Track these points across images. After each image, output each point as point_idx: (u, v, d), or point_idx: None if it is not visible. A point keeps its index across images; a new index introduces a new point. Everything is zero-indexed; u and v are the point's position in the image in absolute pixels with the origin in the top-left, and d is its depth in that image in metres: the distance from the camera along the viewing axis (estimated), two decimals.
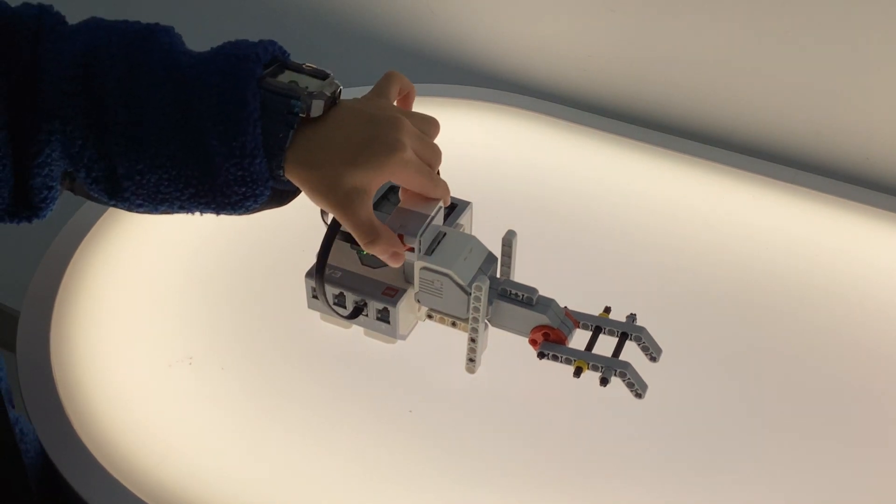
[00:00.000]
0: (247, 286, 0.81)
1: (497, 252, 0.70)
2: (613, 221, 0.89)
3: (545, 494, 0.65)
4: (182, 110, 0.57)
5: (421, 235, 0.66)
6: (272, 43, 0.61)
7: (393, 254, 0.63)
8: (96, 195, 0.60)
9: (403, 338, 0.71)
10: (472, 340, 0.69)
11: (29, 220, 0.60)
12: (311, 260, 0.67)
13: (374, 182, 0.60)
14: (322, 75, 0.61)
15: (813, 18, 0.89)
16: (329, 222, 0.66)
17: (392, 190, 0.78)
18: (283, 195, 0.63)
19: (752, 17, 0.93)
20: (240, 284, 0.81)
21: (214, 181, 0.58)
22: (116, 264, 0.82)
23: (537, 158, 0.98)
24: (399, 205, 0.68)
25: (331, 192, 0.59)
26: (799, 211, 0.91)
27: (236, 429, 0.69)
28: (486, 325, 0.69)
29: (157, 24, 0.60)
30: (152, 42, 0.58)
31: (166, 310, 0.78)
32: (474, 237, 0.69)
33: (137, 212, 0.61)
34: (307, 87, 0.59)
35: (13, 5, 0.59)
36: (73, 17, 0.61)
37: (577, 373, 0.65)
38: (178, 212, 0.61)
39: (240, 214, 0.61)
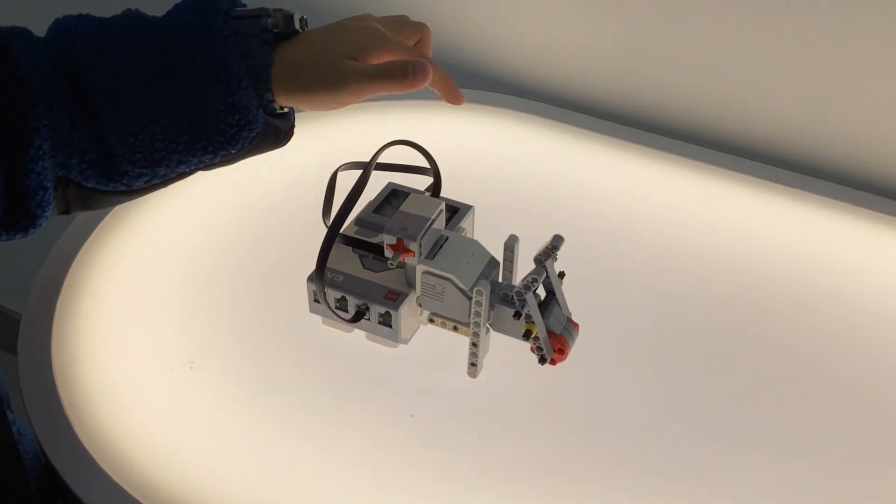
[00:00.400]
0: (248, 290, 0.81)
1: (499, 257, 0.70)
2: (616, 225, 0.89)
3: (548, 498, 0.65)
4: (159, 58, 0.58)
5: (421, 239, 0.66)
6: None
7: (416, 70, 0.62)
8: (94, 184, 0.60)
9: (405, 342, 0.71)
10: (474, 345, 0.69)
11: (26, 231, 0.60)
12: (313, 264, 0.67)
13: (360, 57, 0.61)
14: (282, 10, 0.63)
15: (815, 22, 0.89)
16: (329, 225, 0.66)
17: (394, 193, 0.78)
18: (278, 134, 0.63)
19: (754, 21, 0.93)
20: (241, 288, 0.81)
21: (206, 118, 0.58)
22: (118, 267, 0.82)
23: (539, 162, 0.98)
24: (400, 208, 0.68)
25: (329, 77, 0.60)
26: (801, 215, 0.91)
27: (237, 432, 0.69)
28: (488, 329, 0.69)
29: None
30: (119, 17, 0.60)
31: (168, 313, 0.78)
32: (476, 241, 0.69)
33: (138, 186, 0.61)
34: (277, 8, 0.61)
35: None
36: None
37: (527, 335, 0.66)
38: (177, 169, 0.60)
39: (238, 152, 0.61)
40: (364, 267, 0.71)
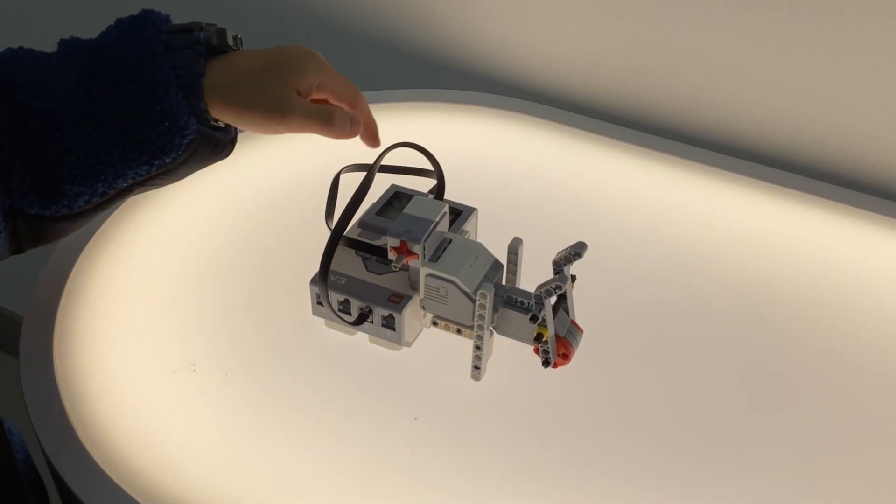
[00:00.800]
0: (251, 292, 0.80)
1: (503, 259, 0.70)
2: (619, 227, 0.89)
3: (551, 500, 0.65)
4: (91, 74, 0.59)
5: (425, 241, 0.66)
6: (152, 11, 0.63)
7: (353, 122, 0.66)
8: (36, 209, 0.60)
9: (409, 344, 0.71)
10: (478, 348, 0.69)
11: None
12: (316, 266, 0.67)
13: (300, 84, 0.63)
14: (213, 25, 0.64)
15: (819, 24, 0.89)
16: (332, 228, 0.66)
17: (397, 196, 0.78)
18: (216, 145, 0.63)
19: (757, 23, 0.92)
20: (244, 290, 0.81)
21: (137, 126, 0.58)
22: (120, 269, 0.82)
23: (543, 164, 0.97)
24: (403, 211, 0.68)
25: (261, 102, 0.61)
26: (804, 217, 0.91)
27: (240, 435, 0.68)
28: (492, 332, 0.69)
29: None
30: (57, 49, 0.61)
31: (170, 316, 0.78)
32: (480, 244, 0.69)
33: (79, 208, 0.61)
34: (210, 24, 0.62)
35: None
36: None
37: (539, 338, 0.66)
38: (117, 186, 0.61)
39: (175, 165, 0.61)
40: (367, 269, 0.71)
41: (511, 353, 0.70)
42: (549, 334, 0.65)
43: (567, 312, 0.68)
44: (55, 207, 0.60)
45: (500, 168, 0.97)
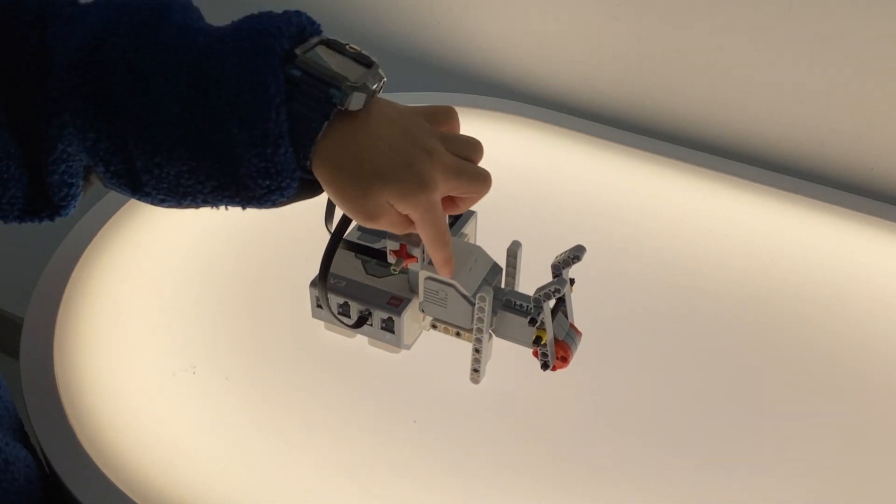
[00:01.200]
0: (251, 295, 0.81)
1: (502, 262, 0.70)
2: (618, 231, 0.89)
3: (551, 503, 0.65)
4: (199, 96, 0.51)
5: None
6: (298, 14, 0.55)
7: (445, 259, 0.61)
8: (119, 190, 0.56)
9: (408, 347, 0.71)
10: (477, 351, 0.69)
11: (51, 218, 0.57)
12: (316, 269, 0.67)
13: (396, 205, 0.56)
14: (366, 62, 0.56)
15: (818, 27, 0.90)
16: (332, 231, 0.66)
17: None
18: (315, 186, 0.58)
19: (756, 27, 0.93)
20: (244, 293, 0.81)
21: (236, 172, 0.53)
22: (121, 271, 0.82)
23: (542, 168, 0.98)
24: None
25: (356, 201, 0.55)
26: (803, 221, 0.91)
27: (240, 437, 0.68)
28: (491, 335, 0.69)
29: (173, 0, 0.54)
30: (165, 20, 0.53)
31: (171, 318, 0.78)
32: (479, 247, 0.69)
33: (162, 206, 0.57)
34: (348, 78, 0.53)
35: None
36: None
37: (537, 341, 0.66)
38: (202, 206, 0.56)
39: (267, 208, 0.56)
40: (367, 272, 0.71)
41: (510, 356, 0.70)
42: (547, 337, 0.65)
43: (566, 316, 0.68)
44: (139, 197, 0.56)
45: (500, 171, 0.97)
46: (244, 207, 0.56)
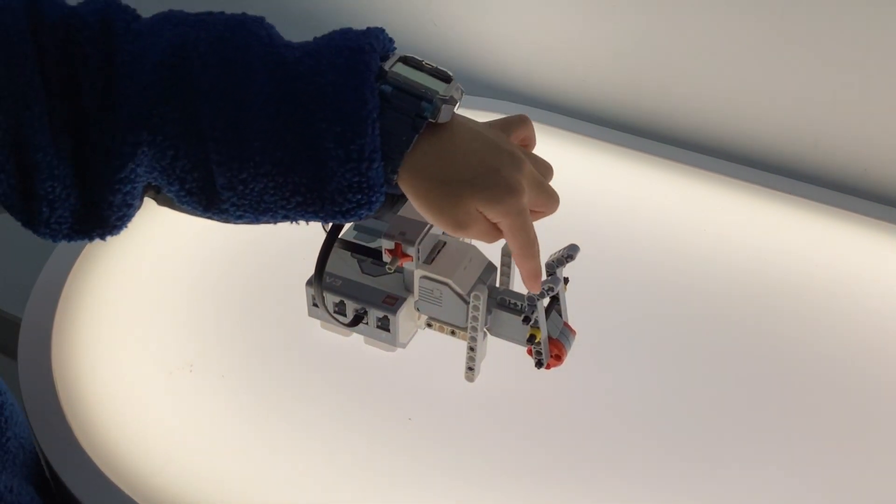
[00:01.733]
0: (248, 294, 0.81)
1: (496, 262, 0.70)
2: (612, 230, 0.90)
3: (545, 501, 0.65)
4: (291, 111, 0.51)
5: (419, 244, 0.66)
6: (381, 31, 0.55)
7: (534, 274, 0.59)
8: (189, 208, 0.55)
9: (403, 346, 0.72)
10: (471, 349, 0.69)
11: (102, 236, 0.55)
12: (312, 268, 0.68)
13: (485, 211, 0.55)
14: (445, 77, 0.56)
15: (812, 29, 0.90)
16: (328, 230, 0.67)
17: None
18: (393, 199, 0.58)
19: (751, 28, 0.93)
20: (240, 292, 0.81)
21: (325, 188, 0.52)
22: (118, 271, 0.83)
23: None
24: (398, 213, 0.69)
25: (445, 210, 0.54)
26: (797, 221, 0.92)
27: (236, 435, 0.69)
28: (485, 333, 0.69)
29: (245, 15, 0.54)
30: (246, 35, 0.52)
31: (167, 317, 0.79)
32: (474, 246, 0.70)
33: (237, 223, 0.56)
34: (438, 91, 0.54)
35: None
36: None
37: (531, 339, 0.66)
38: (281, 221, 0.56)
39: (351, 221, 0.56)
40: (362, 271, 0.72)
41: (504, 355, 0.70)
42: (541, 336, 0.66)
43: (560, 314, 0.68)
44: (208, 216, 0.55)
45: None
46: (327, 222, 0.56)
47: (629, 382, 0.74)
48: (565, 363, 0.68)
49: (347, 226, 0.75)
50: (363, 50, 0.53)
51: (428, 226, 0.67)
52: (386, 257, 0.68)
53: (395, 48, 0.57)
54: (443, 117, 0.54)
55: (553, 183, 0.62)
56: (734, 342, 0.78)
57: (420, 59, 0.56)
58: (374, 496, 0.65)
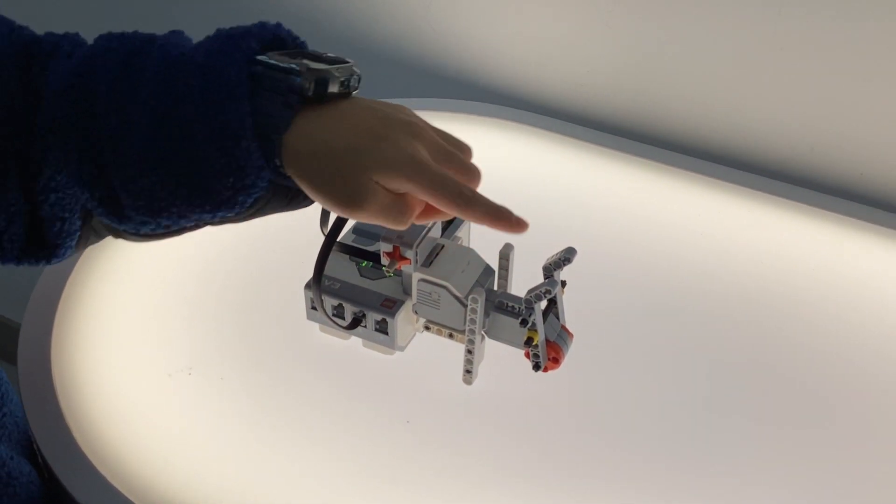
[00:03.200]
0: (246, 297, 0.81)
1: (494, 265, 0.70)
2: (610, 235, 0.90)
3: (543, 503, 0.66)
4: (166, 100, 0.51)
5: (418, 247, 0.66)
6: (277, 25, 0.55)
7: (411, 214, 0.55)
8: (107, 220, 0.56)
9: (401, 349, 0.72)
10: (469, 352, 0.69)
11: (48, 259, 0.56)
12: (310, 271, 0.68)
13: (381, 178, 0.52)
14: (341, 62, 0.55)
15: (808, 34, 0.90)
16: (326, 233, 0.67)
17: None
18: (293, 195, 0.57)
19: (748, 33, 0.94)
20: (239, 295, 0.81)
21: (200, 173, 0.52)
22: (117, 275, 0.83)
23: (534, 172, 0.98)
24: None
25: (336, 186, 0.52)
26: (793, 226, 0.92)
27: (235, 439, 0.69)
28: (483, 336, 0.70)
29: (173, 31, 0.56)
30: (153, 44, 0.54)
31: (166, 320, 0.79)
32: (472, 250, 0.70)
33: (144, 234, 0.56)
34: (309, 65, 0.52)
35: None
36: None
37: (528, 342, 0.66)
38: (180, 224, 0.56)
39: (240, 217, 0.56)
40: (361, 275, 0.72)
41: (502, 358, 0.70)
42: (539, 339, 0.66)
43: (557, 317, 0.69)
44: (123, 227, 0.56)
45: (492, 176, 0.97)
46: (215, 216, 0.55)
47: (626, 385, 0.74)
48: (563, 366, 0.68)
49: (346, 229, 0.75)
50: (236, 35, 0.53)
51: (426, 228, 0.67)
52: (384, 260, 0.68)
53: (303, 42, 0.56)
54: (315, 90, 0.52)
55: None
56: (731, 345, 0.78)
57: (321, 52, 0.55)
58: (373, 498, 0.65)
